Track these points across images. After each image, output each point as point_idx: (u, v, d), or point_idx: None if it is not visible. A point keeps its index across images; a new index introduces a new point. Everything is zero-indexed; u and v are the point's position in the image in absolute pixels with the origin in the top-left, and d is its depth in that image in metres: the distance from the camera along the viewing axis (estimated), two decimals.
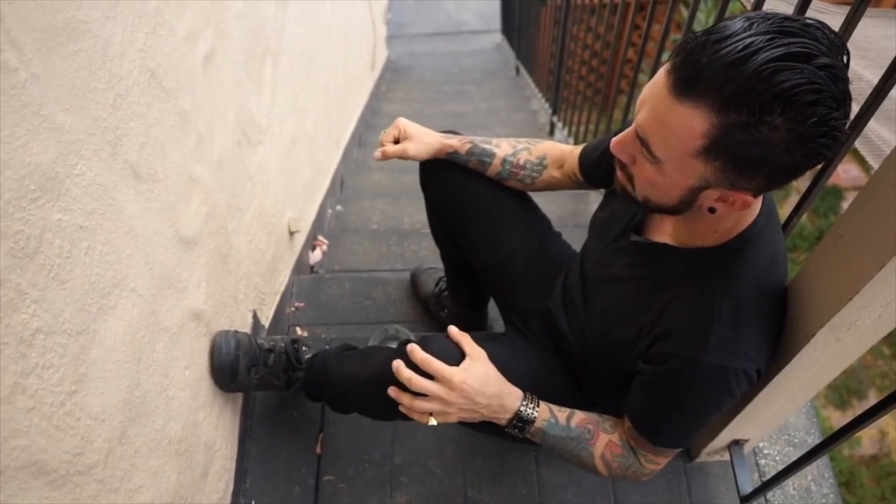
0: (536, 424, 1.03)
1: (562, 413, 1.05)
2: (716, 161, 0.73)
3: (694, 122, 0.71)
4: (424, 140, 1.29)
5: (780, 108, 0.66)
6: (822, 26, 0.68)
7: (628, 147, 0.84)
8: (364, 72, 3.66)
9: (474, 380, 1.02)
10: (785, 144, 0.68)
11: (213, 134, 1.26)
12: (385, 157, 1.27)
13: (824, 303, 0.89)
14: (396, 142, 1.30)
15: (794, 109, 0.66)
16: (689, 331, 0.89)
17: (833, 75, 0.66)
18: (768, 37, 0.65)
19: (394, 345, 1.53)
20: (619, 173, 0.91)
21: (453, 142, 1.31)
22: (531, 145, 1.32)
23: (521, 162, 1.30)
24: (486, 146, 1.31)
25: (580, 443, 1.04)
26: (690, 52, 0.70)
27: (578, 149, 1.27)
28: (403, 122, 1.30)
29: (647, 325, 0.95)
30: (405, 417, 1.17)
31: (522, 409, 1.03)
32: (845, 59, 0.69)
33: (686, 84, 0.70)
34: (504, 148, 1.31)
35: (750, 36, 0.66)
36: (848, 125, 0.92)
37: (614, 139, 0.85)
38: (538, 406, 1.04)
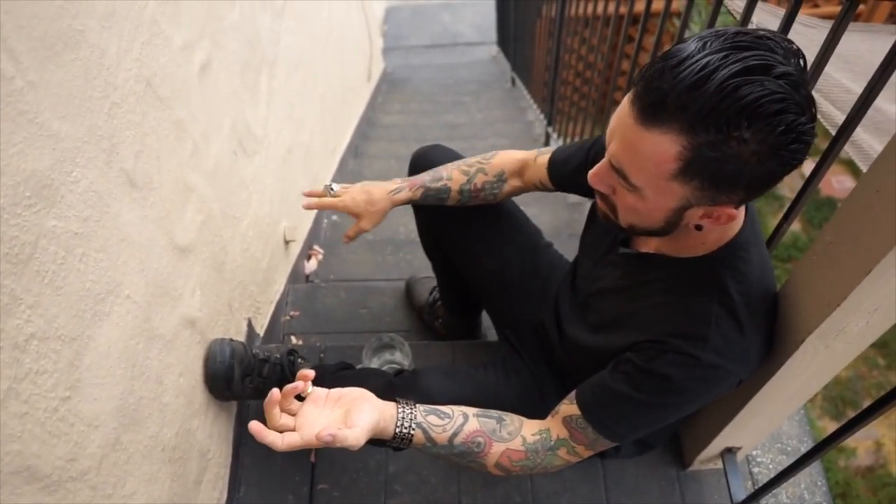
0: (414, 446, 0.97)
1: (442, 434, 0.96)
2: (692, 181, 0.74)
3: (665, 146, 0.72)
4: (372, 209, 1.28)
5: (747, 122, 0.67)
6: (773, 35, 0.69)
7: (605, 178, 0.84)
8: (360, 83, 3.68)
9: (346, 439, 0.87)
10: (757, 157, 0.69)
11: (208, 143, 1.27)
12: (349, 240, 1.34)
13: (812, 309, 0.89)
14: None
15: (761, 121, 0.67)
16: (685, 332, 0.89)
17: (793, 82, 0.67)
18: (723, 54, 0.66)
19: (389, 355, 1.54)
20: (600, 203, 0.91)
21: (403, 194, 1.29)
22: (484, 164, 1.30)
23: (479, 185, 1.28)
24: (438, 184, 1.29)
25: (467, 457, 0.99)
26: (650, 80, 0.71)
27: (543, 157, 1.24)
28: (345, 202, 1.28)
29: (640, 332, 0.95)
30: (396, 448, 1.16)
31: (394, 442, 0.95)
32: (802, 62, 0.69)
33: (651, 111, 0.71)
34: (457, 178, 1.29)
35: (705, 56, 0.67)
36: (835, 134, 0.94)
37: (591, 172, 0.85)
38: (412, 430, 0.94)
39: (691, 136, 0.70)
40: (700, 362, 0.87)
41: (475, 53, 6.07)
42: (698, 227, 0.84)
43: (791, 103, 0.66)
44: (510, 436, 1.00)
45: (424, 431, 0.96)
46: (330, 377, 1.34)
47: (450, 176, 1.29)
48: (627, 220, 0.87)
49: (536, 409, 1.08)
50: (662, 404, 0.93)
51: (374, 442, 0.98)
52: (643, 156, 0.74)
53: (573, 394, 1.01)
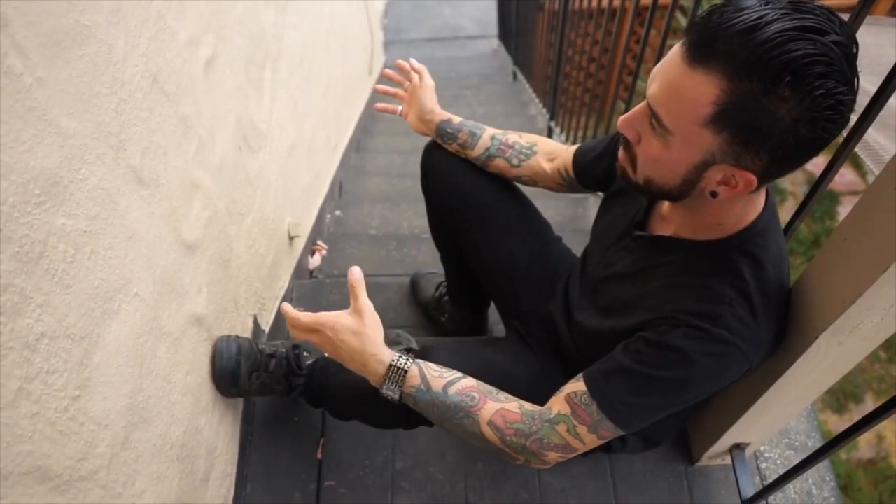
0: (405, 391, 0.98)
1: (438, 380, 0.99)
2: (723, 132, 0.74)
3: (705, 88, 0.72)
4: (420, 118, 1.39)
5: (790, 78, 0.67)
6: (831, 12, 0.69)
7: (636, 123, 0.84)
8: (362, 77, 3.67)
9: (340, 329, 0.98)
10: (791, 117, 0.69)
11: (214, 139, 1.26)
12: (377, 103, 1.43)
13: (827, 306, 0.89)
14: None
15: (803, 80, 0.66)
16: (698, 311, 0.87)
17: (845, 53, 0.67)
18: (783, 10, 0.67)
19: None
20: (621, 155, 0.91)
21: (447, 114, 1.39)
22: (522, 133, 1.38)
23: (510, 142, 1.35)
24: (476, 123, 1.39)
25: (459, 411, 0.98)
26: (706, 21, 0.71)
27: (573, 148, 1.28)
28: (427, 96, 1.38)
29: (651, 312, 0.93)
30: (406, 425, 1.17)
31: (388, 373, 0.98)
32: (855, 48, 0.69)
33: (700, 52, 0.72)
34: (491, 129, 1.37)
35: (765, 8, 0.68)
36: (847, 132, 0.93)
37: (623, 116, 0.85)
38: (408, 369, 0.98)
39: (734, 82, 0.70)
40: (711, 335, 0.85)
41: (476, 47, 6.05)
42: (713, 194, 0.83)
43: (836, 70, 0.66)
44: (507, 399, 1.01)
45: (421, 370, 0.99)
46: (335, 366, 1.35)
47: (485, 127, 1.38)
48: (646, 172, 0.87)
49: (545, 397, 1.06)
50: (671, 380, 0.89)
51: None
52: (682, 96, 0.75)
53: (581, 374, 0.99)
